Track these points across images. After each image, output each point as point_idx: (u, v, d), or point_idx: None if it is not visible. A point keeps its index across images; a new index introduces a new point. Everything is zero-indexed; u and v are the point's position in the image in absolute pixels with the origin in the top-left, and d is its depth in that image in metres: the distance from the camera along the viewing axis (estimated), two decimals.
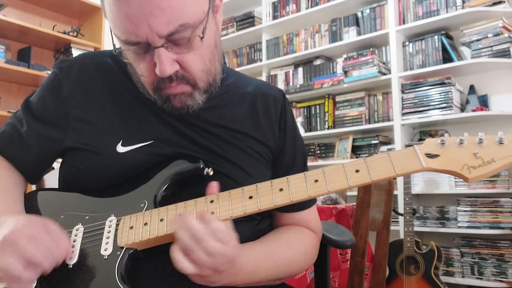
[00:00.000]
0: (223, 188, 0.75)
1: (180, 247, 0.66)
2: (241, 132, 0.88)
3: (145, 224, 0.73)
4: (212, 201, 0.73)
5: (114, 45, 0.77)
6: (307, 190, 0.70)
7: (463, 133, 0.70)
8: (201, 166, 0.80)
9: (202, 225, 0.66)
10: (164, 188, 0.78)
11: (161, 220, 0.73)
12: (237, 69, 4.09)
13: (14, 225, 0.69)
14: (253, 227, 0.86)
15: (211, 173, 0.80)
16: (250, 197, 0.72)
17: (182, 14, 0.71)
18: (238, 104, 0.91)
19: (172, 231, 0.68)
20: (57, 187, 0.92)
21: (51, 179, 1.07)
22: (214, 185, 0.74)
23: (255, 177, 0.75)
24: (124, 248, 0.73)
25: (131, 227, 0.74)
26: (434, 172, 0.68)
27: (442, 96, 2.92)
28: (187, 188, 0.76)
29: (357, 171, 0.69)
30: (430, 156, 0.68)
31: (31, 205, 0.84)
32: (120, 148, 0.82)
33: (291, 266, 0.85)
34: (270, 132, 0.91)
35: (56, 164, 0.92)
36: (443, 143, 0.68)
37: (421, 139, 3.12)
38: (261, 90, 0.95)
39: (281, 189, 0.71)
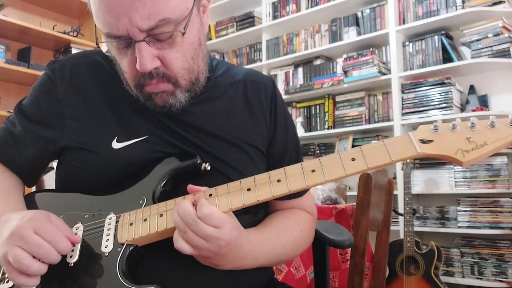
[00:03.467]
0: (216, 185, 0.75)
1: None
2: (233, 125, 0.88)
3: (145, 220, 0.73)
4: (210, 195, 0.73)
5: (96, 38, 0.77)
6: (304, 180, 0.71)
7: None
8: (198, 162, 0.80)
9: (194, 209, 0.68)
10: (162, 184, 0.78)
11: (161, 215, 0.73)
12: None
13: (21, 219, 0.70)
14: (249, 218, 0.86)
15: (209, 168, 0.81)
16: (249, 189, 0.72)
17: (164, 8, 0.71)
18: (229, 96, 0.91)
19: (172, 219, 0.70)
20: (54, 187, 0.92)
21: (51, 179, 1.07)
22: (193, 188, 0.75)
23: (247, 175, 0.76)
24: (125, 245, 0.73)
25: (131, 224, 0.74)
26: (429, 157, 0.68)
27: (442, 96, 2.92)
28: (185, 183, 0.76)
29: (353, 159, 0.70)
30: (424, 142, 0.69)
31: (30, 207, 0.84)
32: (116, 145, 0.82)
33: (292, 246, 0.86)
34: (262, 119, 0.91)
35: (55, 164, 0.92)
36: (436, 129, 0.69)
37: None
38: (251, 78, 0.95)
39: (278, 180, 0.72)
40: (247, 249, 0.74)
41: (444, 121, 0.70)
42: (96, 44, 0.78)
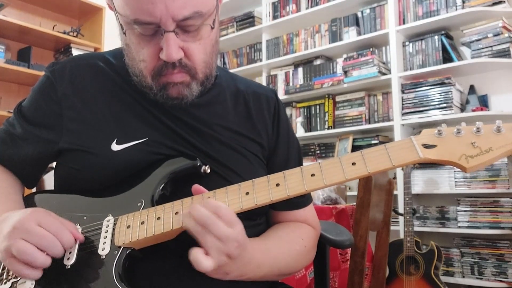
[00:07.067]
0: (215, 187, 0.74)
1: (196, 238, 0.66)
2: (233, 131, 0.88)
3: (142, 223, 0.73)
4: (209, 198, 0.73)
5: (121, 24, 0.77)
6: (303, 184, 0.70)
7: None
8: (198, 164, 0.80)
9: (208, 210, 0.66)
10: (161, 187, 0.78)
11: (158, 218, 0.72)
12: (237, 69, 4.10)
13: (21, 214, 0.71)
14: (248, 224, 0.85)
15: (208, 170, 0.80)
16: (247, 193, 0.71)
17: (198, 1, 0.73)
18: (231, 102, 0.91)
19: (184, 225, 0.68)
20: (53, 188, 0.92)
21: (51, 179, 1.07)
22: (198, 188, 0.74)
23: (246, 178, 0.75)
24: (122, 248, 0.72)
25: (128, 226, 0.73)
26: (432, 162, 0.67)
27: (442, 96, 2.92)
28: (184, 186, 0.76)
29: (353, 163, 0.68)
30: (427, 146, 0.67)
31: (29, 207, 0.84)
32: (115, 147, 0.82)
33: (295, 260, 0.85)
34: (264, 131, 0.92)
35: (54, 164, 0.92)
36: (440, 133, 0.67)
37: None
38: (253, 89, 0.96)
39: (277, 184, 0.71)
40: (251, 254, 0.73)
41: (444, 121, 0.68)
42: (123, 32, 0.78)
